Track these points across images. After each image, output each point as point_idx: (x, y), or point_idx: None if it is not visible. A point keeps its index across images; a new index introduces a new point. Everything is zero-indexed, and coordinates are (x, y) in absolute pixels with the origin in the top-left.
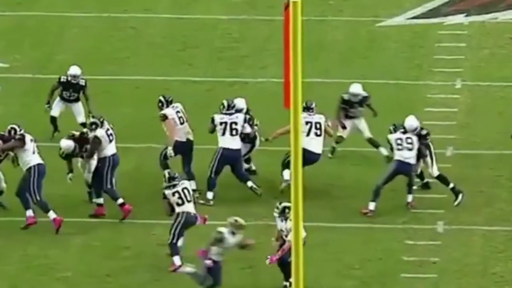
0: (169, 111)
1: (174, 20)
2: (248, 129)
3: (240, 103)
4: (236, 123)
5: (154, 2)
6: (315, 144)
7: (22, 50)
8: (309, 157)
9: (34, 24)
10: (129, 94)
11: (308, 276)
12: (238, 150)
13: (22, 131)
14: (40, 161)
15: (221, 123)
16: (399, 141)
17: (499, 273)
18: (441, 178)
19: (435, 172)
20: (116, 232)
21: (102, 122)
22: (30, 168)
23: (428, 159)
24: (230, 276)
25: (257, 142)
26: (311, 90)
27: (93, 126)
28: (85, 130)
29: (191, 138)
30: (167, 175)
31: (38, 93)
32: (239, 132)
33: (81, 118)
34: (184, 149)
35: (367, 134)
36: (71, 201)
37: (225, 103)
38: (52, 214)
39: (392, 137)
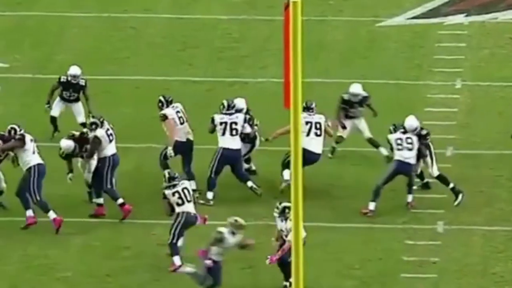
0: (169, 111)
1: (174, 20)
2: (248, 129)
3: (240, 103)
4: (236, 123)
5: (154, 2)
6: (315, 144)
7: (22, 50)
8: (309, 157)
9: (34, 24)
10: (129, 94)
11: (308, 276)
12: (238, 150)
13: (22, 131)
14: (40, 161)
15: (221, 123)
16: (399, 141)
17: (499, 273)
18: (441, 178)
19: (435, 172)
20: (116, 232)
21: (102, 122)
22: (30, 168)
23: (428, 159)
24: (230, 276)
25: (257, 142)
26: (311, 90)
27: (93, 126)
28: (85, 130)
29: (191, 138)
30: (167, 175)
31: (38, 93)
32: (239, 132)
33: (81, 118)
34: (184, 149)
35: (367, 134)
36: (71, 201)
37: (225, 103)
38: (52, 214)
39: (392, 137)
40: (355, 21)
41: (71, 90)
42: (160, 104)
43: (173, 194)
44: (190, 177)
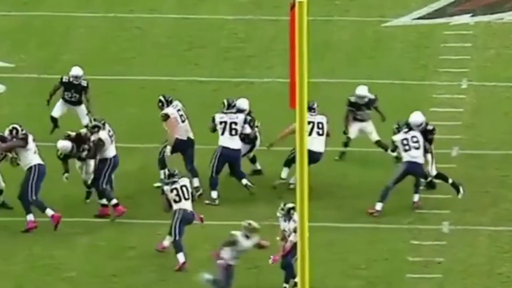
0: (170, 110)
1: (180, 20)
2: (248, 130)
3: (242, 103)
4: (236, 123)
5: (160, 2)
6: (317, 144)
7: (28, 50)
8: (311, 157)
9: (40, 24)
10: (134, 94)
11: (313, 276)
12: (238, 150)
13: (24, 131)
14: (41, 162)
15: (221, 122)
16: (405, 142)
17: (505, 273)
18: (440, 176)
19: (433, 171)
20: (122, 232)
21: (103, 125)
22: (31, 167)
23: (429, 156)
24: (235, 276)
25: (257, 142)
26: (317, 90)
27: (96, 129)
28: (84, 130)
29: (191, 136)
30: (167, 172)
31: (44, 93)
32: (238, 132)
33: (86, 121)
34: (185, 147)
35: (375, 136)
36: (75, 201)
37: (225, 102)
38: (49, 211)
39: (397, 138)
40: (361, 21)
41: (73, 91)
42: (160, 104)
43: (171, 190)
44: (193, 174)
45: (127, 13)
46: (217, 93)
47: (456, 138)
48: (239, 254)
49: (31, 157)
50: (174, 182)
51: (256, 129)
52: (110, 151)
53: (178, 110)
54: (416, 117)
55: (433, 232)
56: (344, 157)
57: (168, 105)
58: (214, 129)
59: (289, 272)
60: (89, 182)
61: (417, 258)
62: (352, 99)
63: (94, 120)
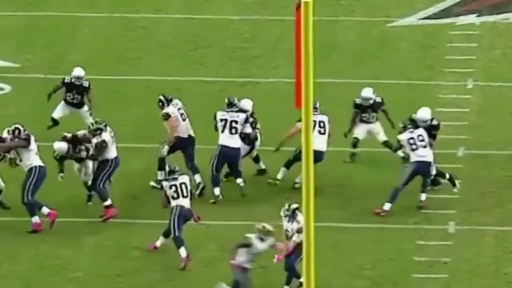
0: (171, 109)
1: (185, 20)
2: (249, 129)
3: (246, 104)
4: (236, 122)
5: (166, 2)
6: (319, 142)
7: (34, 50)
8: (313, 156)
9: (46, 24)
10: (140, 94)
11: (319, 276)
12: (237, 149)
13: (26, 132)
14: (42, 164)
15: (221, 120)
16: (411, 141)
17: (511, 274)
18: (438, 173)
19: (433, 170)
20: (127, 232)
21: (105, 126)
22: (32, 168)
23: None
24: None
25: (257, 143)
26: (323, 90)
27: (98, 132)
28: (82, 132)
29: (192, 134)
30: (167, 168)
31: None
32: (239, 131)
33: (90, 120)
34: (186, 145)
35: (383, 137)
36: (81, 201)
37: (227, 101)
38: (45, 210)
39: (403, 138)
40: (367, 21)
41: (75, 91)
42: (160, 103)
43: (170, 187)
44: (194, 171)
45: (133, 13)
46: (223, 93)
47: (462, 138)
48: (254, 257)
49: (33, 158)
50: (174, 178)
51: (257, 130)
52: (111, 153)
53: (179, 108)
54: (424, 113)
55: (439, 232)
56: (355, 158)
57: (168, 104)
58: (216, 127)
59: (291, 274)
60: (89, 183)
61: (423, 258)
62: (358, 101)
63: (96, 122)
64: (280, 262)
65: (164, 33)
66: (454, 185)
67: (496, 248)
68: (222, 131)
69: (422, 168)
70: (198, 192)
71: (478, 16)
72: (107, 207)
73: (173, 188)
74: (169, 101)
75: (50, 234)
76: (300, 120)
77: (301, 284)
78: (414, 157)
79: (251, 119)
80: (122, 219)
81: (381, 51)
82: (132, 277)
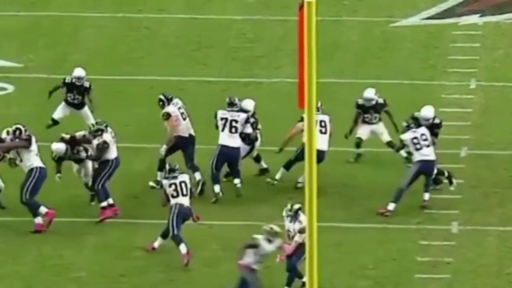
0: (171, 109)
1: (188, 20)
2: (249, 130)
3: (247, 104)
4: (236, 121)
5: (168, 2)
6: (320, 142)
7: (37, 50)
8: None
9: (49, 24)
10: (143, 94)
11: (322, 276)
12: (237, 148)
13: (27, 132)
14: (43, 165)
15: (221, 119)
16: (415, 141)
17: None
18: (438, 171)
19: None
20: (129, 232)
21: (106, 127)
22: (32, 169)
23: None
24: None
25: (257, 144)
26: (326, 90)
27: (99, 132)
28: (81, 133)
29: (192, 133)
30: (167, 167)
31: (53, 94)
32: (238, 130)
33: (92, 120)
34: (187, 144)
35: (386, 137)
36: (83, 201)
37: (228, 100)
38: (43, 209)
39: (407, 138)
40: (370, 22)
41: (75, 92)
42: (161, 103)
43: (170, 185)
44: (194, 169)
45: (136, 13)
46: (226, 93)
47: (465, 138)
48: (262, 258)
49: (33, 158)
50: (174, 177)
51: (257, 131)
52: (112, 153)
53: (179, 108)
54: (427, 112)
55: (442, 232)
56: (360, 159)
57: (168, 104)
58: (217, 126)
59: (293, 275)
60: (90, 184)
61: (426, 258)
62: (360, 101)
63: (96, 123)
64: (283, 262)
65: (167, 33)
66: (451, 183)
67: (499, 248)
68: (222, 130)
69: (426, 167)
70: (199, 189)
71: (481, 16)
72: (103, 208)
73: (173, 186)
74: (169, 100)
75: (53, 234)
76: (301, 120)
77: (303, 284)
78: (418, 156)
79: (252, 120)
80: (124, 219)
81: (384, 51)
82: (134, 277)
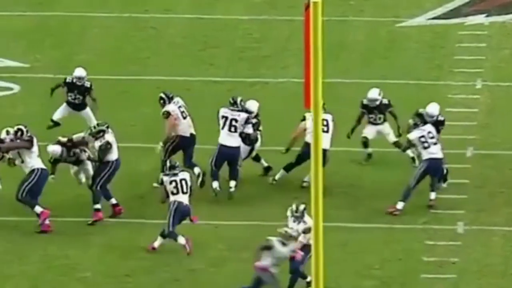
0: (171, 108)
1: (194, 20)
2: (250, 130)
3: (252, 105)
4: (236, 120)
5: (175, 2)
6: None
7: (43, 50)
8: None
9: (55, 24)
10: (149, 94)
11: (327, 276)
12: (236, 148)
13: (29, 133)
14: (44, 166)
15: (222, 117)
16: (422, 139)
17: None
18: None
19: None
20: (135, 232)
21: (107, 128)
22: (33, 170)
23: None
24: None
25: (257, 145)
26: (332, 90)
27: (101, 134)
28: (80, 134)
29: (193, 132)
30: (168, 164)
31: (59, 94)
32: (238, 130)
33: (94, 122)
34: (187, 144)
35: (393, 137)
36: (88, 201)
37: (231, 99)
38: (38, 208)
39: (414, 137)
40: (376, 22)
41: (76, 91)
42: (162, 101)
43: (170, 182)
44: (193, 166)
45: (142, 13)
46: (232, 93)
47: (471, 138)
48: (277, 261)
49: (35, 159)
50: (174, 174)
51: (258, 132)
52: (113, 154)
53: (180, 106)
54: (433, 109)
55: (448, 232)
56: (370, 159)
57: (169, 102)
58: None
59: (296, 276)
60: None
61: (432, 258)
62: (365, 101)
63: (98, 125)
64: (286, 264)
65: (174, 33)
66: (445, 180)
67: (504, 248)
68: (222, 128)
69: (434, 165)
70: (199, 180)
71: (487, 16)
72: (97, 210)
73: (173, 183)
74: (170, 99)
75: (58, 235)
76: (303, 119)
77: (308, 283)
78: (426, 155)
79: (254, 121)
80: (130, 219)
81: (390, 51)
82: (140, 277)
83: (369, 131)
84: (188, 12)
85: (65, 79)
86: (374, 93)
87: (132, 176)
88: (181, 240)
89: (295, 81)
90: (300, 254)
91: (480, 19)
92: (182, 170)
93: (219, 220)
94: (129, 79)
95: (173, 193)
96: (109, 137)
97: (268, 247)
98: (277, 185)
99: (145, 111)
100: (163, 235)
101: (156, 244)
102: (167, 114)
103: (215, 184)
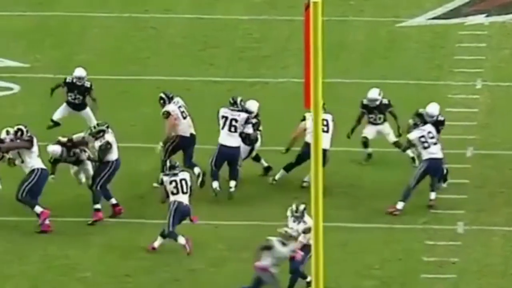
0: (171, 107)
1: (194, 20)
2: (250, 130)
3: (252, 105)
4: (236, 120)
5: (175, 2)
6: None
7: (43, 50)
8: None
9: (55, 24)
10: (149, 94)
11: (327, 276)
12: (236, 148)
13: (29, 133)
14: (44, 166)
15: (222, 117)
16: (422, 139)
17: None
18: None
19: None
20: (135, 232)
21: (107, 128)
22: (33, 170)
23: None
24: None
25: (257, 145)
26: (332, 90)
27: (101, 134)
28: (80, 134)
29: (193, 132)
30: (168, 164)
31: (59, 94)
32: (238, 130)
33: (94, 123)
34: (187, 144)
35: (393, 137)
36: (89, 201)
37: (231, 99)
38: (38, 209)
39: (414, 137)
40: (376, 22)
41: (76, 91)
42: (162, 101)
43: (170, 182)
44: (192, 166)
45: (142, 13)
46: (232, 93)
47: (471, 138)
48: (277, 261)
49: (35, 159)
50: (174, 174)
51: (258, 132)
52: (113, 154)
53: (179, 106)
54: (433, 109)
55: (448, 232)
56: (370, 159)
57: (169, 102)
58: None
59: (295, 276)
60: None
61: (432, 258)
62: (365, 101)
63: (98, 125)
64: (286, 264)
65: (173, 33)
66: (445, 180)
67: (504, 248)
68: (222, 128)
69: (434, 165)
70: (199, 180)
71: (487, 16)
72: (96, 210)
73: (173, 183)
74: (170, 99)
75: (58, 235)
76: (303, 119)
77: (308, 283)
78: (426, 155)
79: (254, 121)
80: (130, 219)
81: (390, 51)
82: (140, 277)
83: (369, 131)
84: (188, 12)
85: (65, 79)
86: (374, 93)
87: (132, 176)
88: (181, 240)
89: (295, 81)
90: (300, 254)
91: (480, 19)
92: (182, 170)
93: (219, 220)
94: (129, 79)
95: (173, 193)
96: (109, 137)
97: (268, 247)
98: (277, 185)
99: (145, 111)
100: (163, 235)
101: (156, 244)
102: (167, 114)
103: (215, 184)
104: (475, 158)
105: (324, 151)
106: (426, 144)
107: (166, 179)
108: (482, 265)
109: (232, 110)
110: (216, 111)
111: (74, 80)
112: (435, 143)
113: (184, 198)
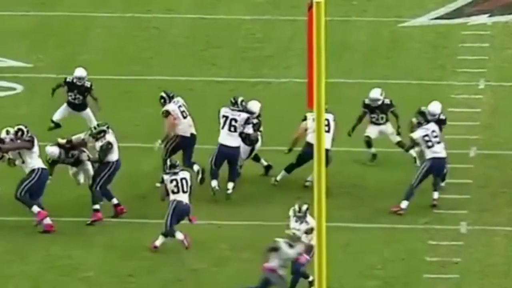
0: (171, 107)
1: (197, 20)
2: (250, 130)
3: (253, 106)
4: (236, 120)
5: (177, 2)
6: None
7: (46, 50)
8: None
9: (58, 24)
10: (152, 94)
11: (330, 276)
12: (236, 148)
13: (30, 133)
14: (44, 166)
15: (223, 116)
16: (426, 138)
17: None
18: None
19: None
20: (137, 232)
21: (108, 128)
22: (34, 170)
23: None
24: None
25: (257, 146)
26: (334, 90)
27: (102, 134)
28: (80, 135)
29: (194, 132)
30: (168, 163)
31: (62, 94)
32: (238, 130)
33: (94, 123)
34: (188, 143)
35: (395, 138)
36: (90, 201)
37: (232, 99)
38: (35, 208)
39: (418, 136)
40: (379, 22)
41: (76, 91)
42: (162, 100)
43: (171, 181)
44: (192, 166)
45: (145, 13)
46: (235, 93)
47: (474, 138)
48: (285, 262)
49: (35, 160)
50: (175, 173)
51: (259, 132)
52: (113, 155)
53: (180, 106)
54: (435, 107)
55: (450, 232)
56: (375, 159)
57: (170, 101)
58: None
59: (297, 276)
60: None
61: (435, 258)
62: (367, 101)
63: (98, 125)
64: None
65: (176, 33)
66: (443, 179)
67: (507, 248)
68: (222, 128)
69: (438, 164)
70: (199, 178)
71: (490, 16)
72: (96, 210)
73: (174, 182)
74: (170, 98)
75: (61, 235)
76: (304, 119)
77: (310, 283)
78: (430, 154)
79: (255, 121)
80: (132, 219)
81: (392, 51)
82: (143, 276)
83: (371, 131)
84: (191, 12)
85: (66, 78)
86: (376, 93)
87: (134, 176)
88: (179, 235)
89: (298, 81)
90: (305, 258)
91: (483, 19)
92: (183, 169)
93: (221, 220)
94: (132, 79)
95: (173, 192)
96: (110, 137)
97: (275, 249)
98: (279, 185)
99: (147, 111)
100: (165, 234)
101: (158, 242)
102: (166, 113)
103: (214, 183)
104: (478, 158)
105: (326, 151)
106: (430, 143)
107: (166, 177)
108: (484, 265)
109: (232, 110)
110: (218, 111)
111: (74, 80)
112: (438, 142)
113: (184, 197)
